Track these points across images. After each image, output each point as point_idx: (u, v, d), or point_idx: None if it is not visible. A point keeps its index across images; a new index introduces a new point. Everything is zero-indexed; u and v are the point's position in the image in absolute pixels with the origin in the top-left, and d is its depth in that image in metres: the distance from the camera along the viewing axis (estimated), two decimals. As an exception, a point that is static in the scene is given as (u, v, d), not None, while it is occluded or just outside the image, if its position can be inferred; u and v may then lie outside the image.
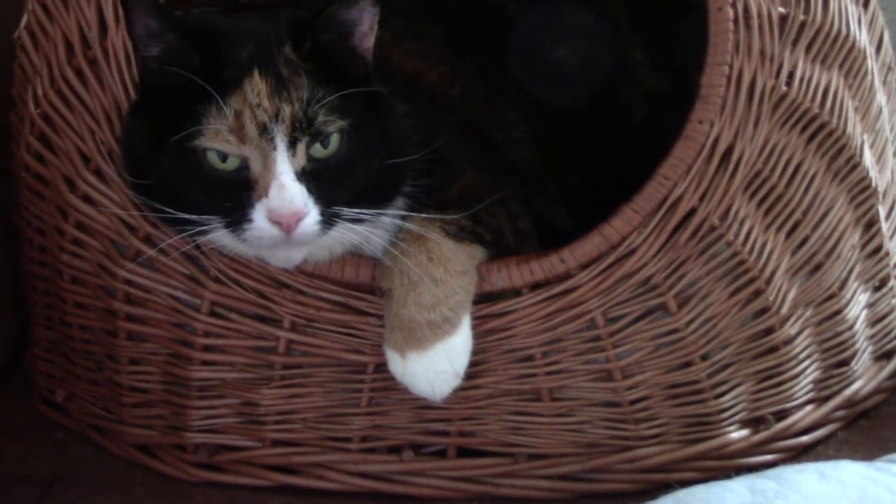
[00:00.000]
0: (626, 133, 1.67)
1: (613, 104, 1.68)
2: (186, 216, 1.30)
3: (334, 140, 1.31)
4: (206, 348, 1.48)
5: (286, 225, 1.27)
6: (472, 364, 1.43)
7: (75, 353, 1.59)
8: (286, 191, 1.27)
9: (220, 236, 1.33)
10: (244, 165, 1.29)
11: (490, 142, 1.59)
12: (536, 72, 1.65)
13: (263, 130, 1.28)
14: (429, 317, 1.37)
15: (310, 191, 1.28)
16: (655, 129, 1.57)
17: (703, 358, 1.47)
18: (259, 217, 1.28)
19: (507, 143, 1.60)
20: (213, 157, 1.29)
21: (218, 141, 1.28)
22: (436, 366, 1.38)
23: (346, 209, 1.31)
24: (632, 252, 1.42)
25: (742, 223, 1.44)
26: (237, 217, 1.29)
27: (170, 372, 1.50)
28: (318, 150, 1.30)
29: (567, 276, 1.43)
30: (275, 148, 1.28)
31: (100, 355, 1.55)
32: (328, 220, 1.30)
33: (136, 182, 1.35)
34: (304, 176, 1.29)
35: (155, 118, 1.32)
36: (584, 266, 1.42)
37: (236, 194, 1.29)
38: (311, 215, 1.28)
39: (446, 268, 1.38)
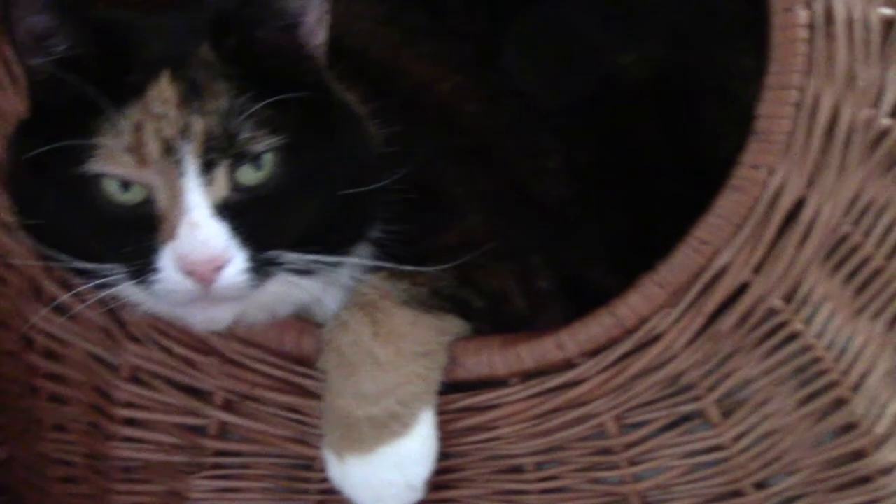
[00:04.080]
0: (710, 165, 1.28)
1: (695, 126, 1.30)
2: (81, 265, 1.01)
3: (268, 163, 0.99)
4: (128, 421, 1.19)
5: (201, 275, 0.97)
6: (445, 471, 1.10)
7: (11, 408, 1.33)
8: (199, 230, 0.97)
9: (127, 289, 1.03)
10: (150, 198, 0.99)
11: (512, 174, 1.23)
12: (591, 84, 1.29)
13: (168, 150, 0.97)
14: (370, 411, 1.05)
15: (235, 229, 0.97)
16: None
17: (759, 486, 1.09)
18: (167, 265, 0.98)
19: (537, 176, 1.25)
20: (110, 188, 0.99)
21: (113, 163, 0.98)
22: (381, 475, 1.06)
23: (287, 253, 1.00)
24: (655, 340, 1.05)
25: (818, 307, 1.04)
26: (141, 265, 0.99)
27: (90, 445, 1.22)
28: (246, 176, 0.99)
29: (568, 365, 1.07)
30: (183, 173, 0.97)
31: (29, 415, 1.28)
32: (261, 269, 0.99)
33: (25, 222, 1.06)
34: (227, 210, 0.98)
35: (41, 140, 1.02)
36: (591, 354, 1.06)
37: (140, 235, 0.99)
38: (236, 262, 0.97)
39: (398, 347, 1.05)
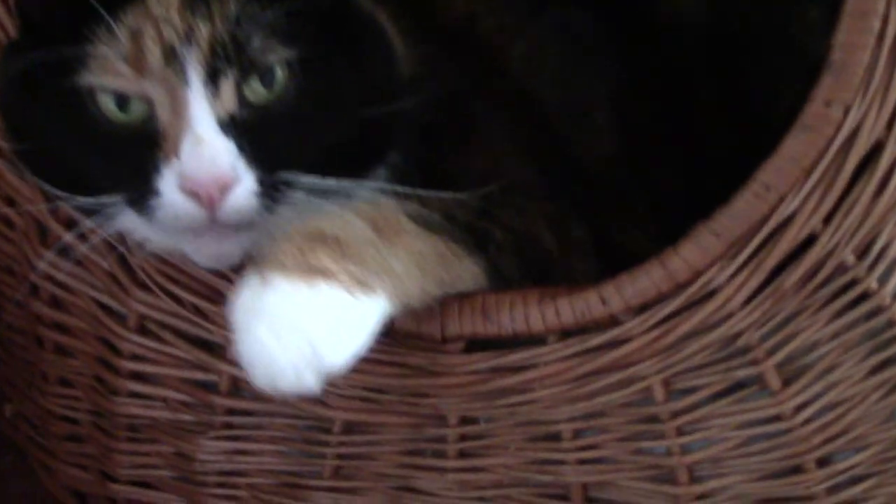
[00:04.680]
0: (772, 124, 1.18)
1: (754, 81, 1.20)
2: (81, 200, 0.94)
3: (280, 78, 0.92)
4: (134, 375, 1.10)
5: (206, 196, 0.89)
6: (473, 437, 1.02)
7: (17, 361, 1.25)
8: (204, 146, 0.89)
9: (128, 220, 0.96)
10: (150, 115, 0.91)
11: (553, 127, 1.14)
12: (645, 30, 1.19)
13: (172, 57, 0.90)
14: (337, 232, 0.89)
15: (241, 148, 0.90)
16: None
17: (822, 463, 0.99)
18: (169, 186, 0.90)
19: (582, 132, 1.15)
20: (107, 104, 0.92)
21: (109, 74, 0.91)
22: (300, 317, 0.86)
23: (299, 176, 0.91)
24: (709, 296, 0.95)
25: (895, 264, 0.94)
26: (141, 189, 0.91)
27: (95, 401, 1.14)
28: (255, 91, 0.92)
29: (612, 322, 0.97)
30: (187, 83, 0.89)
31: (34, 368, 1.20)
32: (271, 193, 0.90)
33: (17, 149, 0.99)
34: (235, 127, 0.90)
35: (32, 55, 0.95)
36: (637, 311, 0.96)
37: (140, 156, 0.91)
38: (244, 183, 0.89)
39: (401, 239, 0.92)
